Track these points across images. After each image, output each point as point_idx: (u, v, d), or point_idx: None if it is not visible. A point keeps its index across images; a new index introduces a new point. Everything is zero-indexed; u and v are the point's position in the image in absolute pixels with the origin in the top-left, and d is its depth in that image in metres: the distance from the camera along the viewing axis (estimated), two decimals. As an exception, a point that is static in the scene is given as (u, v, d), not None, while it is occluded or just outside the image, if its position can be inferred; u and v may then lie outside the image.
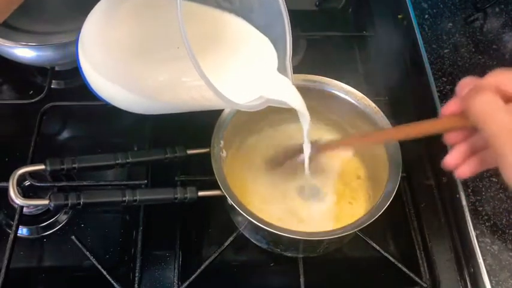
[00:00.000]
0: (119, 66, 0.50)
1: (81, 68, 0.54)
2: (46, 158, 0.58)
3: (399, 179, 0.57)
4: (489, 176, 0.65)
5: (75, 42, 0.53)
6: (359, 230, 0.55)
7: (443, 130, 0.49)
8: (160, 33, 0.45)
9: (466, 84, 0.45)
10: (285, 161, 0.62)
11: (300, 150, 0.60)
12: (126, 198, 0.56)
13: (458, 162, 0.48)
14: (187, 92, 0.45)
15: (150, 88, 0.49)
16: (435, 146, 0.68)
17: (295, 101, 0.53)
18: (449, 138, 0.49)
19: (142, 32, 0.47)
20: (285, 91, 0.52)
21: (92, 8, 0.53)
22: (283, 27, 0.52)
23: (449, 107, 0.47)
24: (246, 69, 0.53)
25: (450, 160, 0.48)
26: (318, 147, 0.60)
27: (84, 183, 0.65)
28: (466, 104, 0.44)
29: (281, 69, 0.54)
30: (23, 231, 0.65)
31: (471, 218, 0.62)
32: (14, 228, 0.60)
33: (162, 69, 0.46)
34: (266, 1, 0.52)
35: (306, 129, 0.56)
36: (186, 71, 0.41)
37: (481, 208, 0.63)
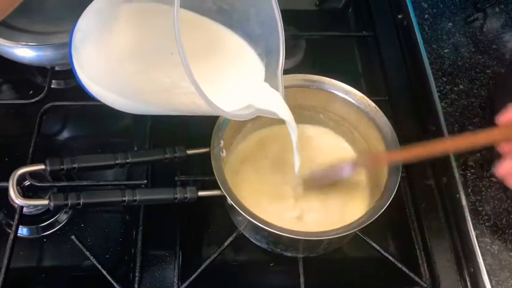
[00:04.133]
0: (112, 73, 0.50)
1: (75, 72, 0.54)
2: (46, 158, 0.58)
3: (399, 179, 0.57)
4: (489, 176, 0.65)
5: (68, 47, 0.53)
6: (359, 230, 0.55)
7: (499, 140, 0.48)
8: (155, 40, 0.46)
9: None
10: (325, 180, 0.62)
11: (340, 168, 0.60)
12: (126, 198, 0.56)
13: (509, 171, 0.48)
14: (179, 98, 0.46)
15: (143, 94, 0.50)
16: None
17: (283, 112, 0.54)
18: (503, 148, 0.48)
19: (137, 38, 0.47)
20: (274, 102, 0.53)
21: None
22: (278, 38, 0.53)
23: (507, 116, 0.47)
24: (235, 80, 0.54)
25: (502, 170, 0.48)
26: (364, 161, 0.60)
27: (84, 183, 0.65)
28: None
29: (273, 78, 0.54)
30: (23, 231, 0.65)
31: (471, 218, 0.62)
32: (14, 228, 0.60)
33: (156, 76, 0.46)
34: (262, 10, 0.52)
35: (295, 138, 0.57)
36: (178, 79, 0.42)
37: (481, 208, 0.63)
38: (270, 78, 0.55)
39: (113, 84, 0.51)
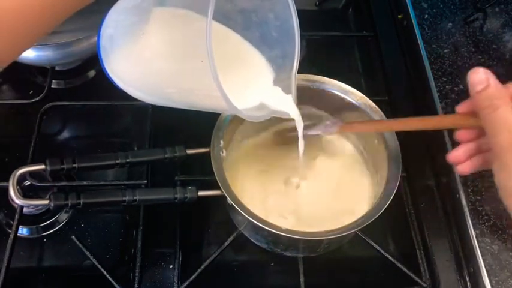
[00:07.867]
0: (138, 72, 0.52)
1: (103, 65, 0.55)
2: (46, 158, 0.58)
3: (399, 179, 0.57)
4: (489, 176, 0.64)
5: (97, 38, 0.53)
6: (359, 230, 0.55)
7: (454, 126, 0.49)
8: (184, 46, 0.48)
9: (479, 81, 0.45)
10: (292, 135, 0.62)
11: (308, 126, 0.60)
12: (126, 198, 0.57)
13: (461, 159, 0.49)
14: (203, 99, 0.49)
15: (167, 92, 0.52)
16: (435, 146, 0.68)
17: (294, 112, 0.57)
18: (459, 136, 0.49)
19: (167, 43, 0.49)
20: (286, 104, 0.56)
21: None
22: (294, 42, 0.55)
23: (464, 107, 0.48)
24: (252, 85, 0.56)
25: (454, 156, 0.49)
26: (336, 127, 0.61)
27: (84, 183, 0.65)
28: (480, 112, 0.44)
29: (286, 79, 0.56)
30: (23, 231, 0.65)
31: (471, 218, 0.62)
32: (14, 228, 0.60)
33: (183, 80, 0.49)
34: (280, 15, 0.54)
35: (301, 129, 0.58)
36: (206, 85, 0.44)
37: (481, 208, 0.63)
38: (284, 79, 0.57)
39: (137, 81, 0.53)
